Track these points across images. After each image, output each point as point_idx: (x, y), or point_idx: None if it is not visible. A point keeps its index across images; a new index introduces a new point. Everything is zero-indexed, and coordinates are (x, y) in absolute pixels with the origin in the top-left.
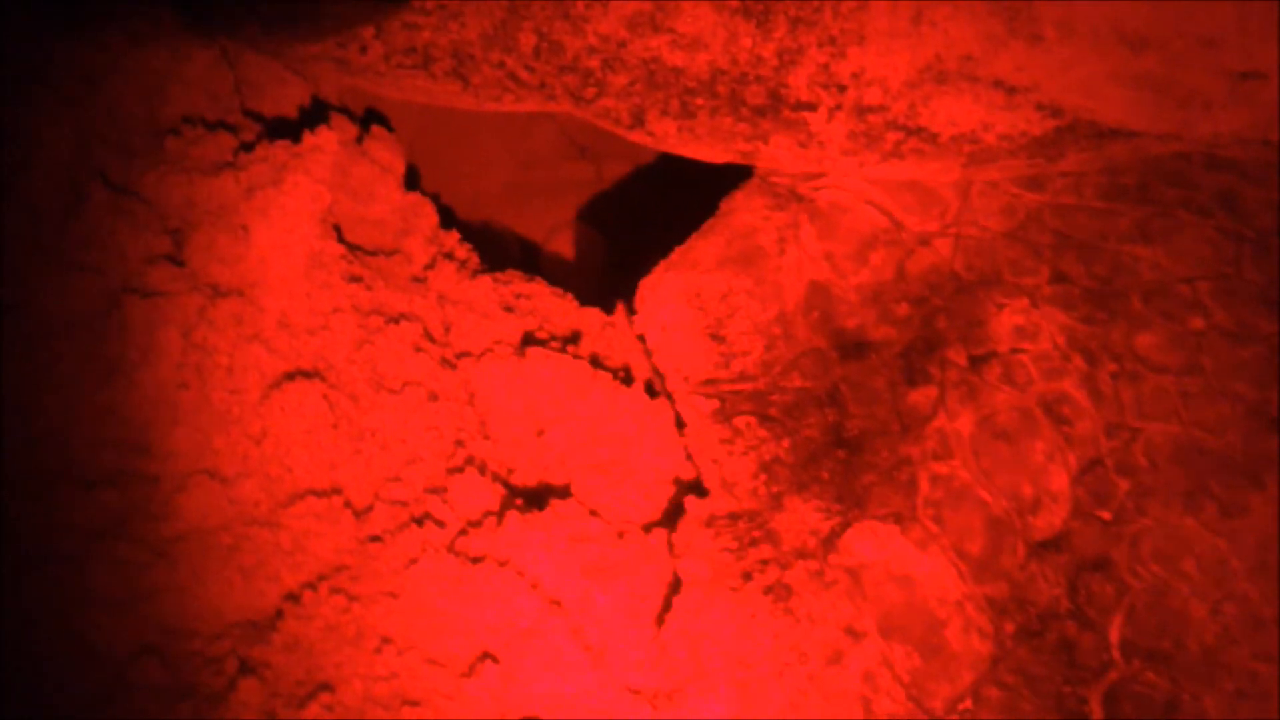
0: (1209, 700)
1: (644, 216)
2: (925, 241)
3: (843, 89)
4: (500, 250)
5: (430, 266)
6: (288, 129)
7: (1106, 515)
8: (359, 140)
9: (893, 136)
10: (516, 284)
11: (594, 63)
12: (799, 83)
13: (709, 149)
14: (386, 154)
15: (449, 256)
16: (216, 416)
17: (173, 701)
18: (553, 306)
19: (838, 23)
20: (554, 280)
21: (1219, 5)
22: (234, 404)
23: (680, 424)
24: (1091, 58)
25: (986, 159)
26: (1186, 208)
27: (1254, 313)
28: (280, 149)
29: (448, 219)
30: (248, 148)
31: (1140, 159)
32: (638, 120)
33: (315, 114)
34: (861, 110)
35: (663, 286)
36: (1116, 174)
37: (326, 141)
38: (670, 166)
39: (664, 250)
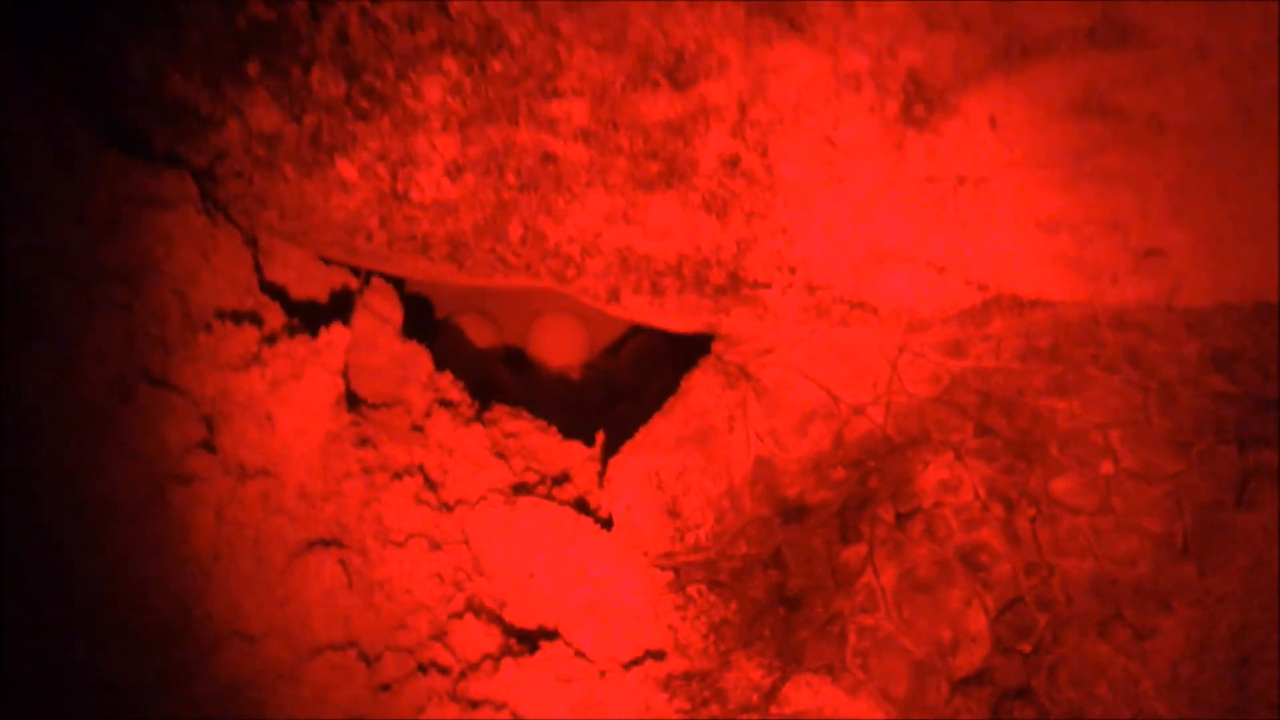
0: None
1: None
2: (859, 411)
3: (794, 270)
4: (481, 361)
5: (428, 414)
6: (303, 307)
7: (1026, 648)
8: (360, 292)
9: (839, 310)
10: (504, 421)
11: (574, 250)
12: (755, 265)
13: (678, 321)
14: (385, 305)
15: (445, 403)
16: (245, 583)
17: None
18: (539, 443)
19: (788, 215)
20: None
21: (1123, 193)
22: (260, 571)
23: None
24: (1012, 239)
25: (922, 327)
26: (1095, 364)
27: (1160, 455)
28: (300, 344)
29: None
30: (271, 341)
31: (1054, 323)
32: (613, 297)
33: (332, 295)
34: (811, 288)
35: (627, 468)
36: (1032, 337)
37: (340, 337)
38: None
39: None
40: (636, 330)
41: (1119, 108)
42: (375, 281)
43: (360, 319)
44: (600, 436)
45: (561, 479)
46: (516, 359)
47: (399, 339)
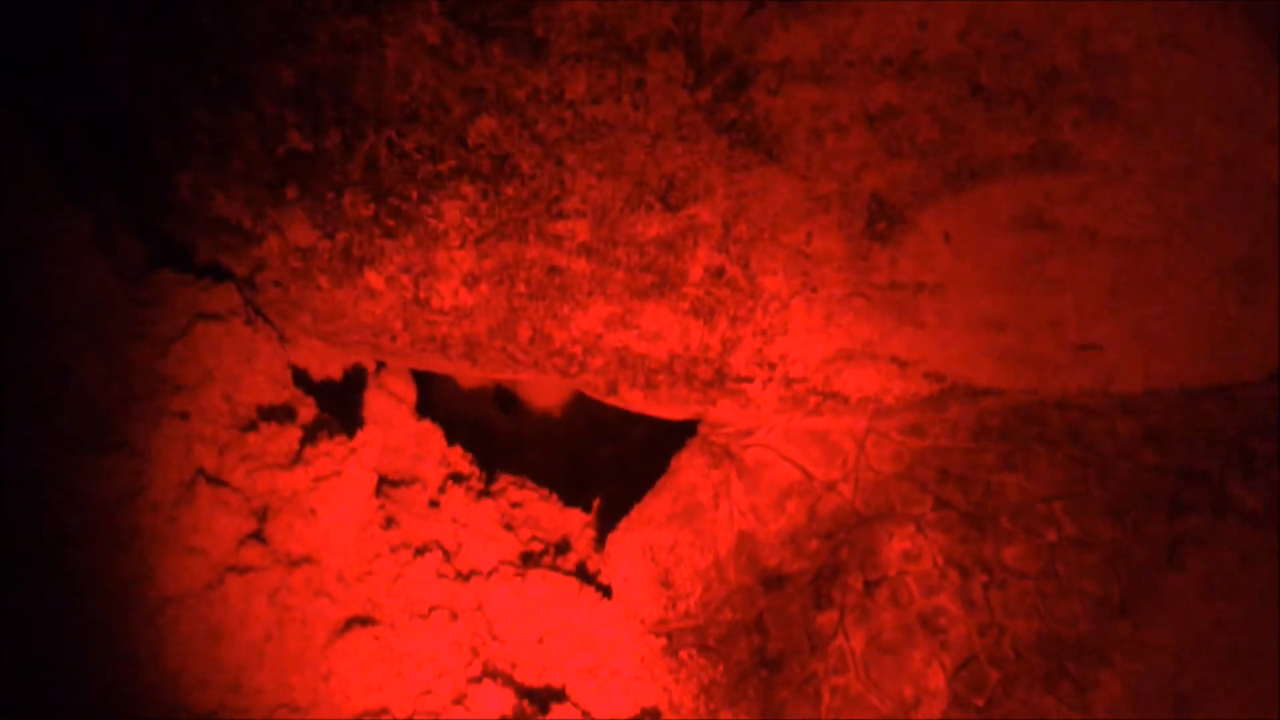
0: None
1: None
2: (831, 487)
3: (773, 366)
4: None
5: (442, 490)
6: (330, 391)
7: (980, 702)
8: (376, 375)
9: (813, 399)
10: (510, 491)
11: (577, 350)
12: (738, 362)
13: (669, 410)
14: (400, 385)
15: (457, 478)
16: (292, 660)
17: None
18: (542, 512)
19: (767, 319)
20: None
21: (1061, 295)
22: (306, 649)
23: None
24: (964, 337)
25: (886, 414)
26: (1040, 441)
27: (1098, 523)
28: (338, 444)
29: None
30: (313, 440)
31: (1004, 406)
32: (612, 390)
33: (349, 379)
34: (788, 381)
35: (624, 543)
36: (984, 418)
37: (374, 437)
38: None
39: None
40: None
41: (1056, 221)
42: (391, 364)
43: (378, 399)
44: (596, 503)
45: (563, 546)
46: (505, 398)
47: (414, 418)
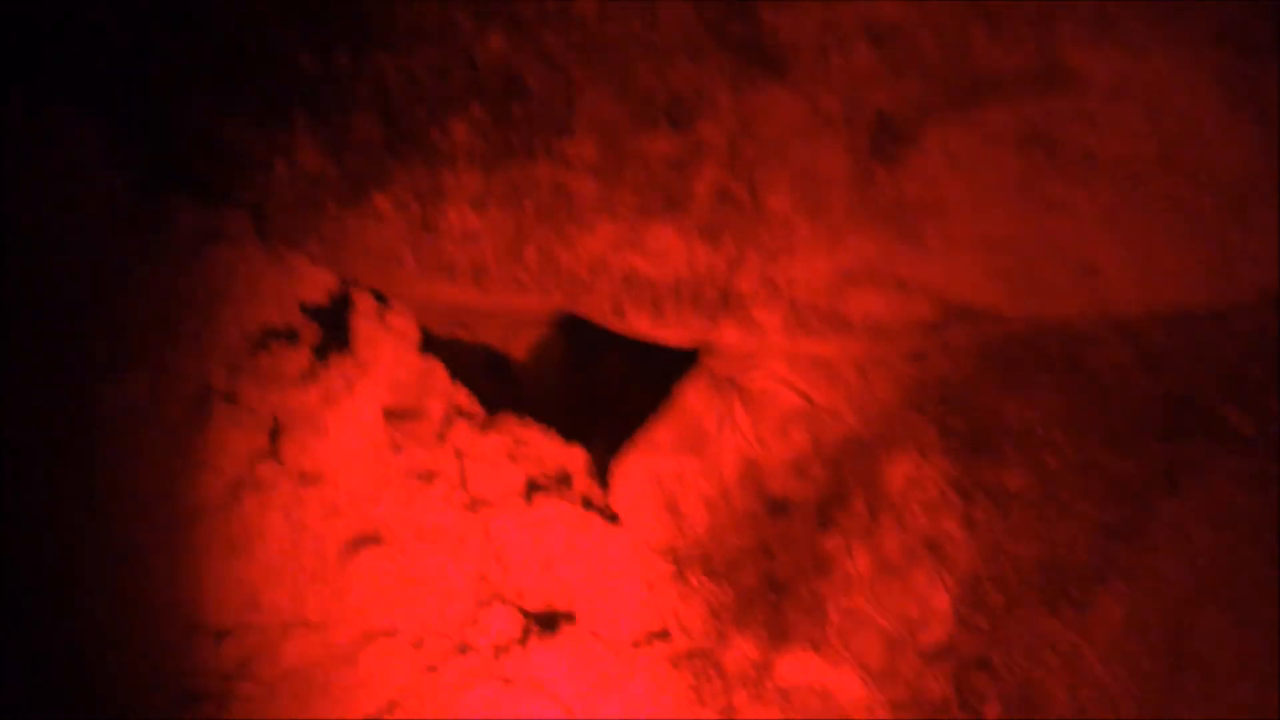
0: None
1: None
2: (835, 414)
3: (777, 288)
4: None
5: (448, 423)
6: (336, 325)
7: (983, 622)
8: (381, 313)
9: (817, 323)
10: (512, 428)
11: (583, 271)
12: (744, 284)
13: (675, 334)
14: (404, 324)
15: (460, 412)
16: (308, 577)
17: None
18: (544, 448)
19: (772, 240)
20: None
21: (1061, 218)
22: (320, 567)
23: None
24: (966, 259)
25: (889, 338)
26: (1040, 368)
27: (1097, 449)
28: (349, 362)
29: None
30: (323, 358)
31: (1004, 333)
32: (618, 313)
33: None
34: (792, 304)
35: (630, 469)
36: (986, 346)
37: (382, 354)
38: None
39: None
40: (611, 345)
41: (1056, 142)
42: (395, 304)
43: (384, 334)
44: (596, 440)
45: (566, 479)
46: (500, 369)
47: (418, 353)
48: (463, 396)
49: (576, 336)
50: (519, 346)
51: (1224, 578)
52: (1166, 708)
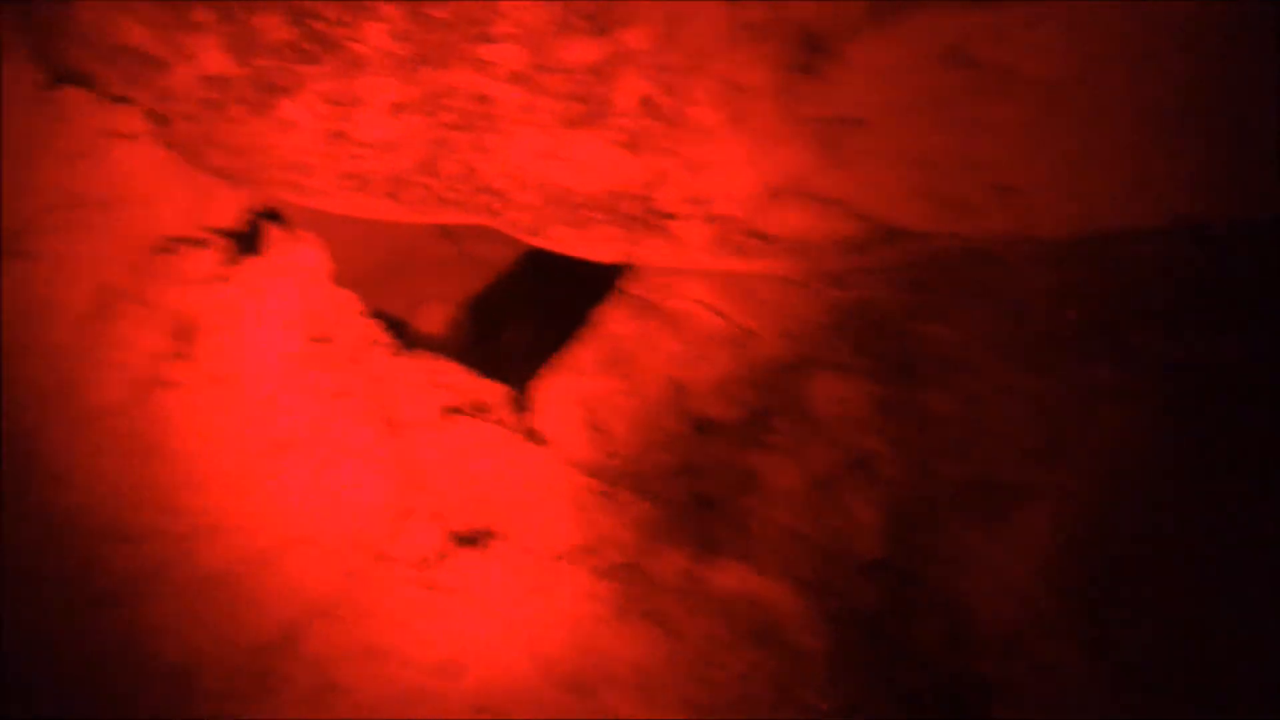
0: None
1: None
2: (758, 336)
3: (698, 202)
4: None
5: (362, 348)
6: (253, 233)
7: (913, 539)
8: (292, 243)
9: (738, 238)
10: (428, 361)
11: (504, 184)
12: (665, 198)
13: (597, 250)
14: (316, 255)
15: (376, 342)
16: (225, 481)
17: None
18: (462, 378)
19: (695, 151)
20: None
21: (980, 135)
22: (237, 471)
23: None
24: (888, 176)
25: (813, 256)
26: (962, 293)
27: (1015, 371)
28: (261, 265)
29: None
30: (233, 263)
31: (926, 255)
32: (539, 229)
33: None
34: (713, 218)
35: (553, 392)
36: (909, 269)
37: (296, 263)
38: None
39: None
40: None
41: (977, 58)
42: (305, 235)
43: (296, 246)
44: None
45: (485, 407)
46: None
47: (333, 284)
48: (376, 329)
49: (481, 313)
50: (425, 320)
51: (1143, 501)
52: (1096, 619)
